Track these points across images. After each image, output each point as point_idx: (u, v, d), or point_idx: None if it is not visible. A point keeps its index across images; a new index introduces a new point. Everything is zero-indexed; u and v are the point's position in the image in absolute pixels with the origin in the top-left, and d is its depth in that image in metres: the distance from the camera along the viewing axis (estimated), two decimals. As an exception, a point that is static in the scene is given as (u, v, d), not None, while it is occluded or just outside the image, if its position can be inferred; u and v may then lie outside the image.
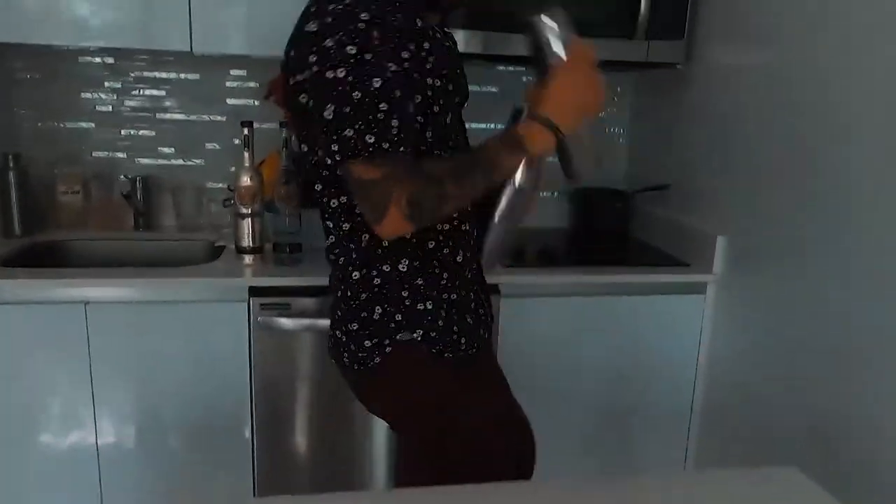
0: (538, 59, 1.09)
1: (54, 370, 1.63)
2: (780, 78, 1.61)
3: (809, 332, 1.51)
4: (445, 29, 1.24)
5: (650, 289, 1.85)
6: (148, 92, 2.11)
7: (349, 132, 1.01)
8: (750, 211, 1.72)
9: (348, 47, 0.99)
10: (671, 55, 1.92)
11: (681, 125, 2.06)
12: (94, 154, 2.11)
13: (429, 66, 1.08)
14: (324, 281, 1.64)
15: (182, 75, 2.11)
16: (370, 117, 1.00)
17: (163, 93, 2.11)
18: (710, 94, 1.91)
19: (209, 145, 2.16)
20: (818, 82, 1.49)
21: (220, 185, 2.15)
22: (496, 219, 1.17)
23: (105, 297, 1.62)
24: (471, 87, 1.89)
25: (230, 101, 2.15)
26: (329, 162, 1.05)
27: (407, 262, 1.18)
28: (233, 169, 2.16)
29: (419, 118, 1.09)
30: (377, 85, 0.99)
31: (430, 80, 1.09)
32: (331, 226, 1.22)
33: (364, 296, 1.19)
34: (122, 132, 2.12)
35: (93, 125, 2.10)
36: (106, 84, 2.08)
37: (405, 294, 1.18)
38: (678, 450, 1.97)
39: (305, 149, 1.16)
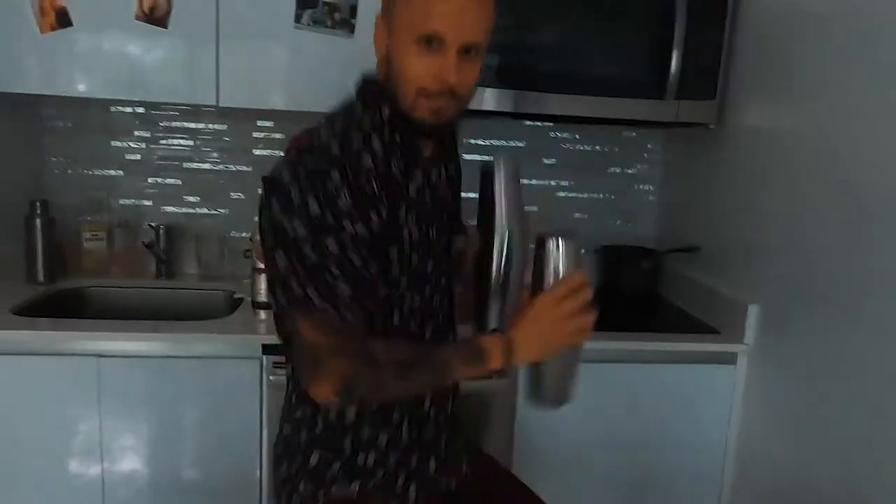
0: (536, 272, 1.03)
1: (65, 423, 1.61)
2: (814, 140, 1.55)
3: (846, 403, 1.42)
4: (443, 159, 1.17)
5: (679, 357, 1.77)
6: (176, 141, 2.13)
7: (299, 290, 0.96)
8: (783, 277, 1.64)
9: (312, 204, 0.94)
10: (702, 115, 1.87)
11: (712, 185, 1.99)
12: (121, 202, 2.13)
13: (396, 229, 1.04)
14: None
15: (210, 126, 2.13)
16: (323, 279, 0.95)
17: (191, 142, 2.13)
18: (742, 154, 1.85)
19: (234, 195, 2.17)
20: (852, 145, 1.43)
21: (243, 234, 2.15)
22: (500, 277, 1.08)
23: (119, 350, 1.60)
24: (499, 142, 1.87)
25: (256, 152, 2.16)
26: (279, 306, 1.01)
27: (354, 412, 1.10)
28: (257, 218, 2.16)
29: (378, 280, 1.03)
30: (334, 248, 0.95)
31: (413, 236, 1.06)
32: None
33: (303, 435, 1.12)
34: (150, 180, 2.14)
35: (121, 173, 2.12)
36: (136, 133, 2.11)
37: (346, 443, 1.11)
38: (707, 529, 1.86)
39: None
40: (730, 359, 1.78)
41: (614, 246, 2.28)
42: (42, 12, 1.70)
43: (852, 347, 1.42)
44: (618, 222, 2.34)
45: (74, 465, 1.63)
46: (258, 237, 1.69)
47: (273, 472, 1.18)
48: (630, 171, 2.32)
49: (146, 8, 1.72)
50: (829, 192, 1.49)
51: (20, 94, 1.77)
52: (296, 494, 1.11)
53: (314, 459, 1.11)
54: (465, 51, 0.99)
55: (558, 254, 1.01)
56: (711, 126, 1.91)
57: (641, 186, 2.33)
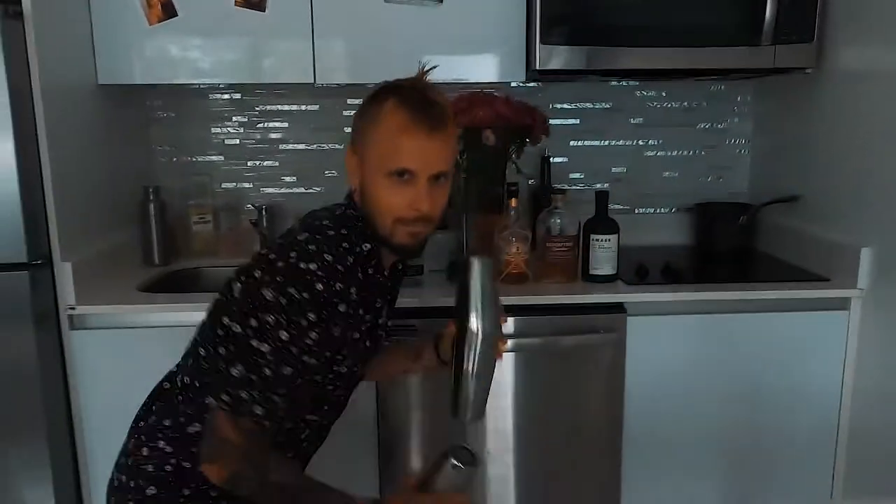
0: (433, 473, 1.14)
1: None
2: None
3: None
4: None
5: (787, 305, 1.74)
6: (271, 124, 2.21)
7: (245, 394, 1.01)
8: (894, 218, 1.60)
9: (282, 320, 1.00)
10: (800, 59, 1.83)
11: (811, 133, 1.95)
12: (223, 185, 2.23)
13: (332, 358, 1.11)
14: (446, 303, 1.65)
15: (303, 107, 2.20)
16: (266, 395, 1.02)
17: (285, 124, 2.21)
18: (843, 98, 1.80)
19: (328, 173, 2.24)
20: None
21: (340, 210, 2.21)
22: (471, 373, 1.13)
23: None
24: (583, 105, 1.86)
25: (347, 129, 2.20)
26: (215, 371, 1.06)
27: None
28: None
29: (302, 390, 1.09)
30: (287, 371, 1.02)
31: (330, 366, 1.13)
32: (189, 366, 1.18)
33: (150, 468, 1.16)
34: (248, 163, 2.22)
35: (222, 158, 2.22)
36: (234, 119, 2.20)
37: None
38: (823, 480, 1.83)
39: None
40: (842, 305, 1.74)
41: (707, 203, 2.25)
42: (149, 4, 1.79)
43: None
44: (709, 179, 2.31)
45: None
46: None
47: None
48: (720, 126, 2.28)
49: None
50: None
51: (129, 84, 1.87)
52: None
53: (150, 491, 1.14)
54: (435, 178, 1.08)
55: (454, 474, 1.12)
56: (808, 70, 1.86)
57: (732, 140, 2.29)
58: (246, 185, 2.24)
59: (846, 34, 1.77)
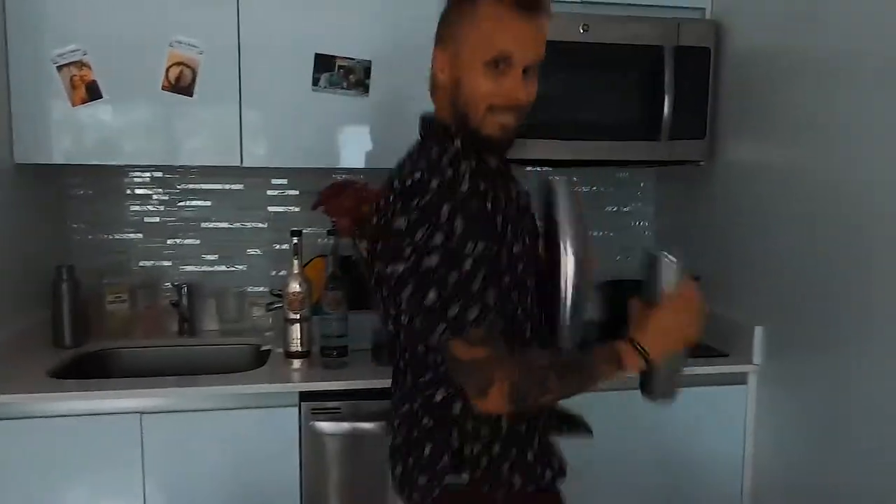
0: (649, 286, 1.17)
1: (107, 481, 1.64)
2: (797, 171, 1.70)
3: (857, 415, 1.53)
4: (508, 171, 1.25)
5: (690, 381, 1.85)
6: (194, 203, 2.21)
7: (445, 315, 1.03)
8: (783, 301, 1.77)
9: (437, 236, 1.03)
10: (694, 153, 2.02)
11: (706, 217, 2.13)
12: (140, 264, 2.19)
13: (508, 238, 1.13)
14: (371, 384, 1.67)
15: (226, 186, 2.21)
16: (469, 296, 1.03)
17: (208, 203, 2.21)
18: (734, 187, 1.99)
19: (251, 251, 2.24)
20: (834, 175, 1.58)
21: (262, 288, 2.21)
22: (569, 301, 1.17)
23: (157, 406, 1.65)
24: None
25: (271, 209, 2.25)
26: (433, 342, 1.07)
27: (460, 406, 1.15)
28: (273, 273, 2.23)
29: (512, 288, 1.13)
30: (468, 267, 1.04)
31: (514, 249, 1.14)
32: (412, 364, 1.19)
33: (416, 433, 1.18)
34: (168, 241, 2.20)
35: (140, 235, 2.19)
36: (154, 197, 2.19)
37: (454, 435, 1.16)
38: (729, 546, 1.93)
39: (392, 313, 1.14)
40: (740, 379, 1.88)
41: (615, 281, 2.39)
42: (73, 86, 1.79)
43: (857, 362, 1.53)
44: (617, 258, 2.46)
45: (117, 524, 1.65)
46: (291, 289, 1.77)
47: (392, 471, 1.23)
48: (625, 209, 2.45)
49: (172, 79, 1.82)
50: (815, 219, 1.63)
51: (46, 164, 1.84)
52: (415, 488, 1.17)
53: (427, 451, 1.17)
54: (526, 70, 1.09)
55: (673, 264, 1.15)
56: (702, 163, 2.05)
57: (637, 223, 2.46)
58: (165, 262, 2.21)
59: (734, 131, 1.98)
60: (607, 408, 1.83)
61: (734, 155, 1.98)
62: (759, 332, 1.84)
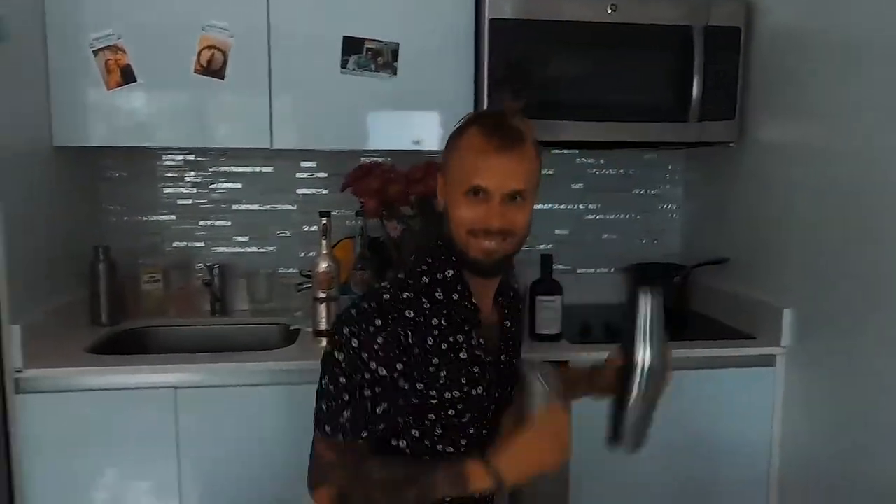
0: (524, 405, 1.17)
1: (142, 452, 1.69)
2: (828, 152, 1.68)
3: (887, 396, 1.51)
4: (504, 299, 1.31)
5: (717, 363, 1.86)
6: (225, 185, 2.25)
7: (325, 405, 1.13)
8: (813, 282, 1.75)
9: (353, 340, 1.11)
10: (724, 134, 2.00)
11: (735, 199, 2.11)
12: (174, 244, 2.24)
13: (441, 380, 1.17)
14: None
15: (257, 168, 2.25)
16: (345, 402, 1.11)
17: (239, 185, 2.25)
18: (764, 168, 1.97)
19: (280, 233, 2.28)
20: (865, 156, 1.56)
21: (291, 270, 2.25)
22: (633, 404, 1.20)
23: (191, 381, 1.69)
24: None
25: (300, 191, 2.28)
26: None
27: None
28: (302, 254, 2.27)
29: (396, 418, 1.16)
30: (358, 378, 1.11)
31: (446, 393, 1.17)
32: None
33: None
34: (200, 223, 2.25)
35: (173, 217, 2.24)
36: (186, 179, 2.23)
37: None
38: (756, 528, 1.93)
39: None
40: (768, 361, 1.87)
41: (642, 264, 2.39)
42: (108, 70, 1.83)
43: (889, 344, 1.51)
44: (643, 241, 2.45)
45: (155, 495, 1.71)
46: (320, 269, 1.80)
47: None
48: (654, 192, 2.44)
49: (204, 62, 1.85)
50: (846, 198, 1.61)
51: (83, 146, 1.89)
52: None
53: None
54: (511, 197, 1.14)
55: (539, 393, 1.15)
56: (732, 144, 2.03)
57: (665, 206, 2.45)
58: (197, 244, 2.25)
59: (765, 111, 1.95)
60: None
61: (765, 135, 1.96)
62: (788, 313, 1.83)
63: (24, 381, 1.63)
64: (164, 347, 2.04)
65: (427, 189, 1.82)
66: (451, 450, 1.22)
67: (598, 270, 2.44)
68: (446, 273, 1.20)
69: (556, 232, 2.40)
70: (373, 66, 1.90)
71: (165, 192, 2.23)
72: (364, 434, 1.12)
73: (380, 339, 1.10)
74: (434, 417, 1.18)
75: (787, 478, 1.88)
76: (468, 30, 1.93)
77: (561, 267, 2.32)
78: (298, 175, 2.27)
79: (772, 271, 1.93)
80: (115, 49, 1.82)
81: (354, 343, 1.11)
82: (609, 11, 1.90)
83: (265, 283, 2.25)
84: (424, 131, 1.98)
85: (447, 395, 1.17)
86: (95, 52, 1.82)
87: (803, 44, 1.78)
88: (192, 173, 2.23)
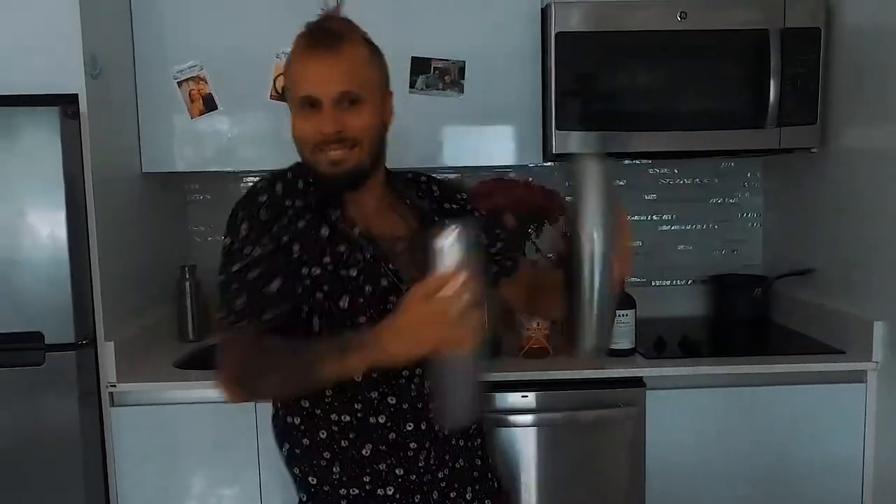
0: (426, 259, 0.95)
1: (225, 465, 1.77)
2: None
3: None
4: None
5: (804, 378, 1.78)
6: (301, 204, 2.32)
7: (222, 298, 1.10)
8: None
9: (225, 238, 1.13)
10: (805, 140, 1.92)
11: (819, 207, 2.02)
12: (254, 263, 2.33)
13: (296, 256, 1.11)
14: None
15: (331, 188, 2.31)
16: (228, 294, 1.09)
17: (314, 204, 2.32)
18: (850, 175, 1.87)
19: (354, 250, 2.33)
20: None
21: (365, 286, 2.30)
22: (589, 293, 0.98)
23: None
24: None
25: (373, 209, 2.32)
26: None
27: (307, 442, 1.16)
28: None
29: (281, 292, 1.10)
30: (234, 269, 1.09)
31: (304, 269, 1.11)
32: None
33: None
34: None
35: (253, 237, 2.33)
36: (265, 200, 2.32)
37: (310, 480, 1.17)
38: (850, 554, 1.82)
39: None
40: (858, 377, 1.77)
41: (722, 275, 2.31)
42: (192, 99, 1.93)
43: None
44: (723, 252, 2.38)
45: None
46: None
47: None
48: (731, 201, 2.36)
49: (279, 88, 1.93)
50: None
51: (169, 172, 2.00)
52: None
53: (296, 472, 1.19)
54: (349, 101, 1.08)
55: (444, 250, 0.92)
56: (814, 150, 1.95)
57: (744, 214, 2.37)
58: (276, 262, 2.33)
59: (849, 115, 1.87)
60: (711, 406, 1.78)
61: (849, 140, 1.87)
62: (879, 326, 1.73)
63: (117, 394, 1.73)
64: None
65: (496, 204, 1.83)
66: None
67: (675, 283, 2.38)
68: (298, 182, 1.15)
69: (613, 211, 2.35)
70: (440, 85, 1.94)
71: (246, 212, 2.33)
72: (267, 317, 1.08)
73: (244, 225, 1.10)
74: (311, 305, 1.10)
75: (883, 501, 1.77)
76: (534, 45, 1.93)
77: (635, 279, 2.29)
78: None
79: (860, 282, 1.83)
80: (198, 79, 1.92)
81: (227, 236, 1.12)
82: (679, 19, 1.87)
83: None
84: (493, 147, 1.99)
85: (306, 271, 1.10)
86: (179, 83, 1.92)
87: (890, 42, 1.69)
88: (271, 194, 2.32)
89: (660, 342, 1.93)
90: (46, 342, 1.63)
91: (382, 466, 1.13)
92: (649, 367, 1.78)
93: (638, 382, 1.76)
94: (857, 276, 1.85)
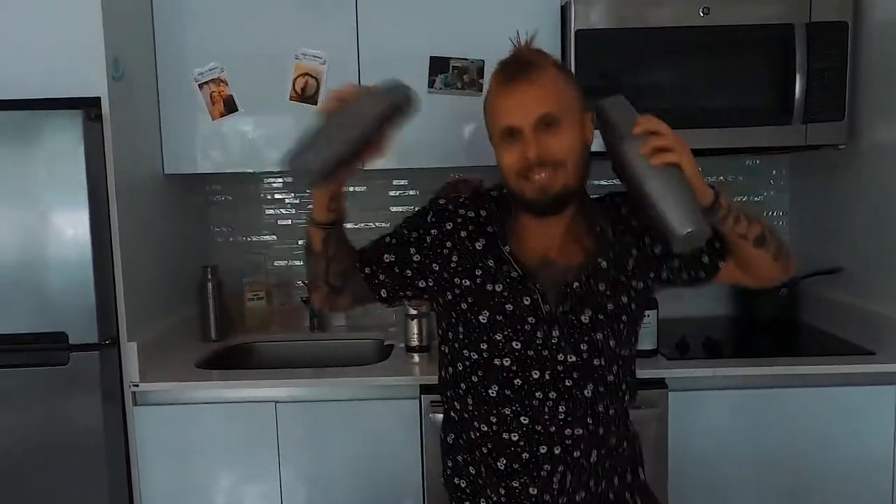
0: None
1: (246, 463, 1.78)
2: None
3: None
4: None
5: (832, 380, 1.74)
6: (321, 205, 2.33)
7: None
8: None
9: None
10: (832, 137, 1.87)
11: (848, 205, 1.97)
12: (275, 263, 2.34)
13: (453, 264, 1.24)
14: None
15: (351, 188, 2.32)
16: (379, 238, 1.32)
17: (334, 205, 2.32)
18: (879, 172, 1.83)
19: (375, 250, 2.33)
20: None
21: (385, 286, 2.30)
22: (654, 194, 1.08)
23: (291, 396, 1.76)
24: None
25: (393, 209, 2.33)
26: None
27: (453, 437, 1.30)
28: (396, 271, 2.31)
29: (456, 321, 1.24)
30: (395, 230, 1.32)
31: (456, 279, 1.23)
32: None
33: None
34: (300, 242, 2.34)
35: (274, 237, 2.34)
36: (287, 201, 2.33)
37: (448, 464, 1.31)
38: (880, 559, 1.78)
39: None
40: (890, 379, 1.73)
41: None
42: (213, 101, 1.94)
43: None
44: (748, 250, 2.33)
45: (259, 502, 1.79)
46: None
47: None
48: (757, 199, 2.32)
49: (298, 89, 1.94)
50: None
51: (191, 173, 2.02)
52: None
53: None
54: (546, 124, 1.11)
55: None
56: (841, 146, 1.90)
57: (770, 213, 2.32)
58: (297, 262, 2.35)
59: (877, 111, 1.82)
60: (735, 408, 1.75)
61: (879, 136, 1.82)
62: (910, 327, 1.69)
63: (140, 394, 1.75)
64: (267, 362, 2.14)
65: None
66: (475, 356, 1.20)
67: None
68: (491, 193, 1.29)
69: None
70: (459, 84, 1.93)
71: (267, 213, 2.34)
72: (367, 271, 1.26)
73: (422, 209, 1.29)
74: (455, 317, 1.22)
75: (915, 506, 1.73)
76: (554, 43, 1.91)
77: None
78: (391, 193, 2.33)
79: (890, 282, 1.79)
80: (218, 81, 1.94)
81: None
82: (701, 14, 1.84)
83: (361, 299, 2.30)
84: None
85: (457, 281, 1.20)
86: (201, 86, 1.94)
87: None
88: (291, 195, 2.34)
89: (682, 343, 1.90)
90: (70, 342, 1.65)
91: (516, 483, 1.19)
92: (672, 368, 1.76)
93: (660, 384, 1.73)
94: (887, 275, 1.80)
